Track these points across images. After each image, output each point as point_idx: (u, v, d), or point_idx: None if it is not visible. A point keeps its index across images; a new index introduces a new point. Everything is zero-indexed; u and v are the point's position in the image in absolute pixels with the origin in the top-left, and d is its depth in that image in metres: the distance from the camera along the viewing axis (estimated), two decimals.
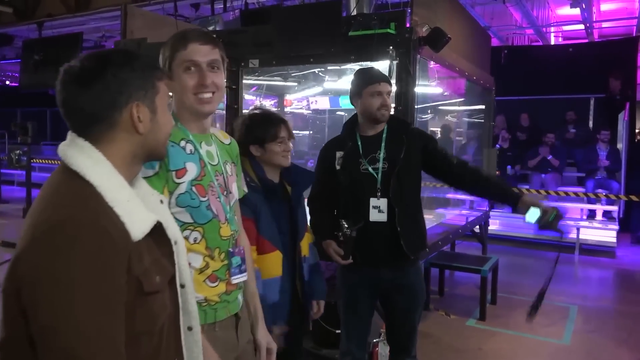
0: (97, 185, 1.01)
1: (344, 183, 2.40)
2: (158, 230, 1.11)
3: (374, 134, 2.44)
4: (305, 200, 2.29)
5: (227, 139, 1.72)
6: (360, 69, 2.51)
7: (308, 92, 5.72)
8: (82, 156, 1.04)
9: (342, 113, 6.88)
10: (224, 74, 1.56)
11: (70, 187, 1.02)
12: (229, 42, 3.66)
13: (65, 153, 1.06)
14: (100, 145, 1.07)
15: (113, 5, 8.16)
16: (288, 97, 6.10)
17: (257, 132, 2.05)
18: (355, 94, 2.41)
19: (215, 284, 1.55)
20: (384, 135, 2.44)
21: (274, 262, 2.01)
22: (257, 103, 5.37)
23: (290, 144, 2.11)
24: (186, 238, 1.49)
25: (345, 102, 5.81)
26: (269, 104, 6.41)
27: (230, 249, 1.59)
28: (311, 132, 8.29)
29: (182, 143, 1.52)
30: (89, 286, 0.92)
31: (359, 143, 2.43)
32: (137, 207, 1.06)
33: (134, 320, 1.00)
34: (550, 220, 2.21)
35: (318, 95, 6.06)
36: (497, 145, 8.27)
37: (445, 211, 6.14)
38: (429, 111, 6.81)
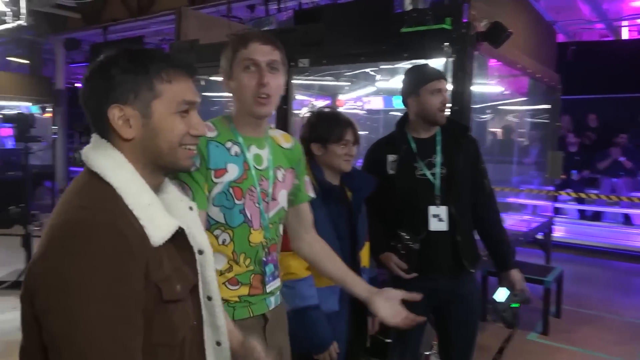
0: (117, 187, 0.97)
1: (398, 190, 2.26)
2: (180, 237, 1.05)
3: (428, 137, 2.28)
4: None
5: (288, 143, 1.66)
6: (415, 66, 2.35)
7: (361, 92, 5.60)
8: (104, 158, 1.01)
9: (397, 113, 6.71)
10: (283, 77, 1.52)
11: (91, 189, 0.98)
12: (280, 41, 3.60)
13: (88, 155, 1.02)
14: (118, 148, 1.02)
15: (172, 9, 8.35)
16: (341, 97, 6.00)
17: (321, 130, 1.97)
18: (411, 92, 2.24)
19: (236, 287, 1.51)
20: (438, 138, 2.28)
21: (298, 261, 1.87)
22: (310, 104, 5.30)
23: (355, 149, 2.00)
24: (216, 237, 1.48)
25: (399, 102, 5.63)
26: (322, 104, 6.34)
27: (263, 258, 1.54)
28: (367, 132, 8.19)
29: (229, 144, 1.49)
30: (103, 291, 0.86)
31: (413, 145, 2.28)
32: (159, 212, 1.00)
33: (151, 331, 0.94)
34: (510, 307, 2.14)
35: (371, 95, 5.92)
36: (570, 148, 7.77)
37: (506, 216, 5.84)
38: (487, 111, 6.52)
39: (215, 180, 1.45)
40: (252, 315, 1.53)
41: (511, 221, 5.53)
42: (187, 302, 1.03)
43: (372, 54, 3.19)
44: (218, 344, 1.18)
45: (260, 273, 1.54)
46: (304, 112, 6.40)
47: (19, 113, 4.98)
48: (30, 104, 10.76)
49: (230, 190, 1.47)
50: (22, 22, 5.28)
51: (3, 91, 9.61)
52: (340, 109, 6.25)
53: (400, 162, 2.25)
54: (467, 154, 2.23)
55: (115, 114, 1.00)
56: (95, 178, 0.98)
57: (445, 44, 2.88)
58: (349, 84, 5.12)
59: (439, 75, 2.22)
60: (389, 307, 1.59)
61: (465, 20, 2.95)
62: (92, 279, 0.86)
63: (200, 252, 1.14)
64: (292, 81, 3.62)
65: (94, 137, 1.04)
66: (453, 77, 2.92)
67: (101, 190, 0.96)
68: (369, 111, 7.04)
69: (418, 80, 2.22)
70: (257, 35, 1.48)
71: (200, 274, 1.14)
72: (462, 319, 2.30)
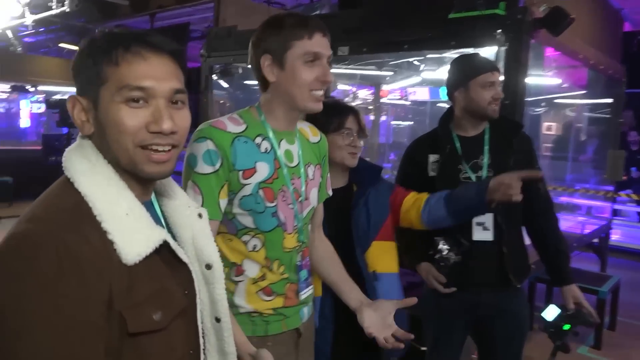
0: (85, 194, 0.81)
1: None
2: (171, 251, 0.88)
3: (475, 135, 2.05)
4: (376, 200, 1.85)
5: (316, 136, 1.52)
6: (463, 55, 2.12)
7: (405, 82, 5.34)
8: (79, 159, 0.86)
9: (444, 105, 6.42)
10: None
11: (55, 196, 0.83)
12: None
13: (65, 156, 0.87)
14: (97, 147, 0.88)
15: None
16: (385, 87, 5.76)
17: (320, 121, 1.73)
18: (459, 85, 2.01)
19: (271, 297, 1.37)
20: (486, 137, 2.04)
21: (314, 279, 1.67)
22: (352, 95, 5.11)
23: (361, 142, 1.78)
24: (245, 243, 1.35)
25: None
26: (366, 93, 6.13)
27: (297, 263, 1.40)
28: (411, 123, 7.97)
29: (258, 140, 1.34)
30: (41, 322, 0.71)
31: (458, 145, 2.05)
32: (138, 223, 0.84)
33: None
34: (562, 329, 1.86)
35: (417, 86, 5.66)
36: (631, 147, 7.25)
37: (558, 216, 5.47)
38: (542, 104, 6.14)
39: (243, 181, 1.30)
40: (286, 329, 1.40)
41: (564, 223, 5.18)
42: (172, 331, 0.87)
43: (416, 42, 2.96)
44: None
45: (295, 281, 1.41)
46: (349, 101, 6.23)
47: (62, 99, 5.02)
48: None
49: (260, 192, 1.32)
50: (65, 9, 5.30)
51: (55, 77, 9.86)
52: (384, 100, 6.01)
53: (443, 163, 2.03)
54: (519, 155, 1.99)
55: (73, 105, 0.86)
56: (67, 183, 0.84)
57: (498, 31, 2.61)
58: (391, 73, 4.87)
59: (492, 67, 1.99)
60: (376, 317, 1.43)
61: (521, 5, 2.68)
62: (29, 306, 0.71)
63: (208, 266, 0.98)
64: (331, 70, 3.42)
65: (79, 135, 0.90)
66: (505, 68, 2.65)
67: (65, 199, 0.82)
68: (414, 102, 6.77)
69: (468, 71, 1.99)
70: (319, 25, 1.32)
71: (208, 293, 0.99)
72: (506, 336, 2.08)
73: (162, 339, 0.85)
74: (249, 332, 1.34)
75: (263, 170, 1.33)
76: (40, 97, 10.61)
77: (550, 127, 7.24)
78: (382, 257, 1.81)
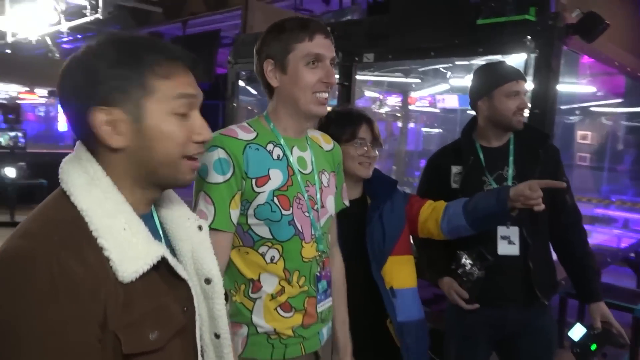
0: (82, 209, 0.78)
1: None
2: (169, 267, 0.85)
3: (499, 145, 1.98)
4: (390, 213, 1.78)
5: (329, 144, 1.49)
6: (488, 64, 2.06)
7: (433, 89, 5.25)
8: (77, 172, 0.83)
9: (473, 112, 6.29)
10: None
11: (50, 210, 0.81)
12: (343, 34, 3.37)
13: (62, 168, 0.84)
14: (100, 158, 0.84)
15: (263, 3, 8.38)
16: (413, 94, 5.69)
17: (332, 130, 1.70)
18: (483, 94, 1.96)
19: (290, 314, 1.32)
20: (511, 147, 1.97)
21: None
22: (378, 102, 5.06)
23: (375, 152, 1.73)
24: (262, 255, 1.30)
25: None
26: (395, 101, 6.07)
27: (317, 273, 1.35)
28: (440, 130, 7.86)
29: (270, 147, 1.31)
30: (33, 344, 0.69)
31: (481, 156, 1.98)
32: (136, 238, 0.81)
33: None
34: (589, 349, 1.80)
35: (445, 94, 5.56)
36: None
37: (592, 229, 5.27)
38: (576, 112, 5.96)
39: (257, 189, 1.27)
40: (304, 353, 1.35)
41: (598, 236, 4.98)
42: (169, 351, 0.83)
43: (443, 49, 2.88)
44: None
45: (313, 294, 1.36)
46: (376, 108, 6.18)
47: None
48: None
49: (276, 200, 1.28)
50: (99, 16, 5.42)
51: None
52: (412, 107, 5.94)
53: (466, 175, 1.97)
54: (545, 167, 1.91)
55: (99, 118, 0.81)
56: (63, 197, 0.81)
57: (528, 37, 2.51)
58: (418, 80, 4.79)
59: (518, 76, 1.91)
60: None
61: (553, 11, 2.58)
62: (22, 327, 0.69)
63: (208, 281, 0.95)
64: (356, 77, 3.38)
65: (78, 145, 0.87)
66: (535, 76, 2.55)
67: (61, 213, 0.79)
68: (443, 110, 6.67)
69: (492, 80, 1.93)
70: (320, 26, 1.30)
71: (207, 308, 0.96)
72: (533, 354, 2.00)
73: (159, 359, 0.82)
74: (267, 355, 1.31)
75: (277, 178, 1.30)
76: None
77: (585, 136, 7.01)
78: (399, 272, 1.75)
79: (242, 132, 1.31)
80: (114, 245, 0.78)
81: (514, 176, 1.92)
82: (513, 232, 1.90)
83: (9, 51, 8.93)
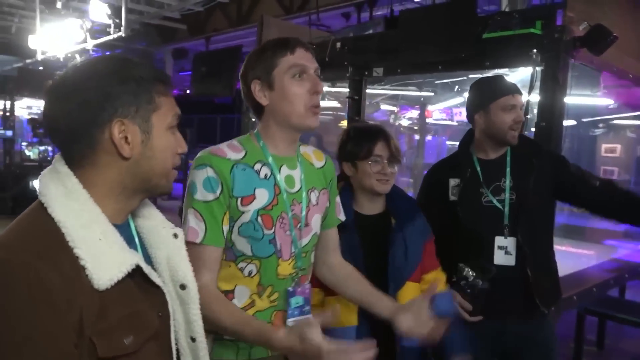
0: (58, 220, 0.83)
1: (462, 219, 1.98)
2: (144, 274, 0.90)
3: (496, 157, 1.99)
4: (412, 239, 1.78)
5: (321, 161, 1.51)
6: (484, 78, 2.08)
7: (449, 102, 5.25)
8: (55, 184, 0.88)
9: None
10: None
11: (28, 222, 0.85)
12: (354, 48, 3.43)
13: (40, 181, 0.89)
14: (82, 170, 0.89)
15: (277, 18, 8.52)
16: (430, 107, 5.69)
17: (350, 147, 1.74)
18: (479, 108, 1.98)
19: None
20: (508, 159, 1.98)
21: (346, 307, 1.63)
22: (392, 115, 5.07)
23: (393, 168, 1.73)
24: (241, 270, 1.33)
25: None
26: (413, 114, 6.07)
27: (290, 288, 1.37)
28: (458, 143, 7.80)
29: (257, 166, 1.34)
30: (13, 352, 0.73)
31: (478, 169, 1.99)
32: (112, 247, 0.85)
33: None
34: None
35: (461, 106, 5.55)
36: None
37: (618, 245, 5.11)
38: (600, 125, 5.86)
39: (242, 208, 1.30)
40: (270, 354, 1.36)
41: (622, 251, 4.84)
42: (144, 354, 0.87)
43: (450, 63, 2.90)
44: None
45: (283, 308, 1.38)
46: (391, 121, 6.20)
47: None
48: None
49: (259, 219, 1.31)
50: (122, 34, 5.61)
51: None
52: (429, 120, 5.93)
53: (464, 187, 1.98)
54: (542, 173, 1.91)
55: (120, 129, 0.88)
56: (41, 209, 0.86)
57: (534, 50, 2.51)
58: (432, 94, 4.80)
59: (514, 90, 1.93)
60: (411, 319, 1.36)
61: (559, 24, 2.57)
62: (5, 335, 0.73)
63: (183, 286, 1.00)
64: (365, 91, 3.41)
65: (56, 159, 0.92)
66: (541, 89, 2.55)
67: (38, 225, 0.84)
68: (461, 122, 6.65)
69: (488, 93, 1.95)
70: (299, 41, 1.34)
71: (183, 313, 1.00)
72: None
73: None
74: (232, 355, 1.34)
75: (262, 197, 1.33)
76: None
77: (609, 149, 6.86)
78: (411, 297, 1.74)
79: (231, 152, 1.34)
80: (89, 255, 0.82)
81: (511, 187, 1.94)
82: (510, 242, 1.91)
83: (41, 68, 9.27)
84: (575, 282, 3.05)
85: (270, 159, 1.36)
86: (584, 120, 6.12)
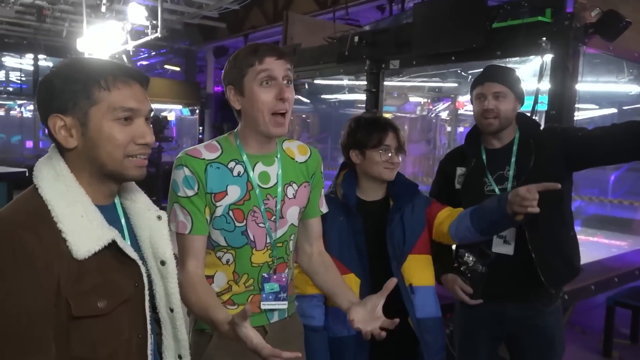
0: (46, 199, 0.98)
1: (465, 206, 2.02)
2: (120, 249, 1.03)
3: (502, 146, 2.01)
4: (411, 214, 1.85)
5: (304, 155, 1.59)
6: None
7: None
8: (47, 169, 1.03)
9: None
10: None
11: (20, 200, 1.01)
12: (372, 42, 3.49)
13: (35, 165, 1.05)
14: (68, 157, 1.04)
15: (303, 14, 8.65)
16: (460, 98, 5.66)
17: (359, 135, 1.81)
18: (471, 99, 2.04)
19: (234, 307, 1.47)
20: (515, 147, 1.99)
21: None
22: (419, 107, 5.08)
23: (399, 158, 1.81)
24: (219, 258, 1.48)
25: (528, 104, 5.12)
26: (443, 106, 6.05)
27: (264, 274, 1.48)
28: None
29: (231, 164, 1.45)
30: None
31: (484, 157, 2.02)
32: (91, 224, 0.99)
33: (69, 345, 0.95)
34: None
35: None
36: None
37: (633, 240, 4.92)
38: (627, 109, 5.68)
39: (215, 203, 1.43)
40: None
41: None
42: (117, 317, 1.01)
43: (463, 53, 2.91)
44: (180, 357, 1.18)
45: (258, 292, 1.50)
46: (418, 113, 6.19)
47: (153, 115, 5.53)
48: (181, 106, 11.94)
49: (230, 213, 1.43)
50: (158, 35, 5.86)
51: (160, 95, 10.84)
52: (461, 111, 5.89)
53: (468, 176, 2.02)
54: (542, 152, 1.91)
55: (56, 123, 1.01)
56: (33, 189, 1.01)
57: (543, 39, 2.51)
58: (456, 85, 4.77)
59: (484, 79, 1.95)
60: (363, 313, 1.42)
61: (570, 11, 2.55)
62: None
63: (163, 262, 1.13)
64: (383, 84, 3.47)
65: (51, 147, 1.07)
66: (551, 77, 2.54)
67: (29, 202, 0.98)
68: None
69: (472, 84, 2.00)
70: (270, 48, 1.41)
71: (163, 286, 1.14)
72: (537, 353, 2.01)
73: (107, 323, 0.99)
74: (208, 328, 1.45)
75: (234, 193, 1.43)
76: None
77: None
78: (419, 270, 1.82)
79: (206, 152, 1.44)
80: (71, 229, 0.95)
81: (514, 175, 1.94)
82: (510, 232, 1.92)
83: None
84: (595, 271, 3.01)
85: (244, 157, 1.46)
86: (625, 108, 5.92)
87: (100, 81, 1.01)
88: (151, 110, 1.08)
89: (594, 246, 4.33)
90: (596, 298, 3.90)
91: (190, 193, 1.41)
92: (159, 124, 5.68)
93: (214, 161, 1.43)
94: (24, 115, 15.00)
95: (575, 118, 2.61)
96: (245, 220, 1.44)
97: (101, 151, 1.02)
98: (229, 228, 1.43)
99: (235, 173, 1.44)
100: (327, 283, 1.61)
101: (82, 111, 1.00)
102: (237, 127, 1.51)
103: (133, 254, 1.05)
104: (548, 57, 2.55)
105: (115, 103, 1.01)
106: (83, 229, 0.97)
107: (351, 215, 1.78)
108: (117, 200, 1.12)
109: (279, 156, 1.52)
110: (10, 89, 12.89)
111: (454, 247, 2.09)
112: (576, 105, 2.60)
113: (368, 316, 1.41)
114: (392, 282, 1.42)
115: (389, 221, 1.80)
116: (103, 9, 6.69)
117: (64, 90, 1.00)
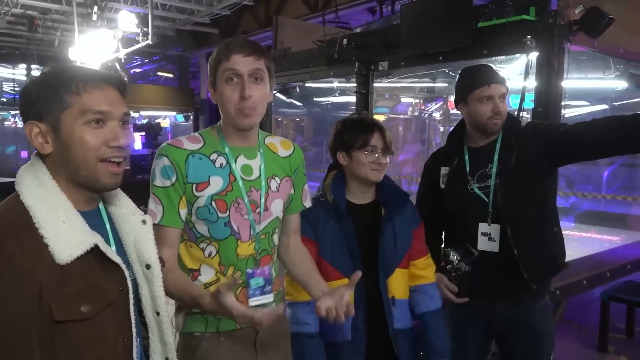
0: (28, 205, 0.99)
1: (449, 206, 2.03)
2: (103, 254, 1.04)
3: (485, 144, 2.02)
4: (401, 228, 1.85)
5: (287, 150, 1.61)
6: (467, 68, 2.09)
7: None
8: (29, 175, 1.04)
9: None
10: (268, 86, 1.47)
11: (4, 207, 1.01)
12: (361, 44, 3.51)
13: (18, 173, 1.06)
14: (49, 163, 1.05)
15: (295, 18, 8.67)
16: (452, 99, 5.67)
17: (346, 137, 1.81)
18: (460, 99, 2.01)
19: None
20: (498, 145, 2.00)
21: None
22: (411, 107, 5.10)
23: (386, 159, 1.80)
24: (202, 250, 1.48)
25: (514, 102, 5.14)
26: (435, 107, 6.07)
27: (249, 270, 1.49)
28: None
29: (213, 156, 1.47)
30: None
31: (466, 157, 2.03)
32: (73, 229, 1.00)
33: (54, 351, 0.96)
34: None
35: None
36: None
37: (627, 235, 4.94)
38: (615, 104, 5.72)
39: (197, 194, 1.44)
40: (239, 327, 1.47)
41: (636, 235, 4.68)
42: (101, 321, 1.02)
43: (450, 53, 2.94)
44: None
45: (246, 286, 1.50)
46: (409, 113, 6.21)
47: (148, 122, 5.54)
48: (175, 113, 11.94)
49: (213, 203, 1.44)
50: (149, 42, 5.88)
51: (154, 102, 10.84)
52: (453, 111, 5.91)
53: (451, 175, 2.03)
54: (524, 149, 1.92)
55: (32, 130, 1.02)
56: (15, 196, 1.02)
57: (528, 37, 2.53)
58: (445, 85, 4.80)
59: (490, 80, 1.92)
60: (330, 300, 1.46)
61: (554, 9, 2.58)
62: None
63: (148, 266, 1.14)
64: (373, 85, 3.49)
65: (33, 154, 1.08)
66: (537, 75, 2.57)
67: (11, 209, 0.99)
68: None
69: (465, 86, 1.98)
70: (240, 45, 1.43)
71: (149, 290, 1.15)
72: (526, 350, 2.02)
73: (91, 327, 1.00)
74: (202, 328, 1.46)
75: (216, 184, 1.45)
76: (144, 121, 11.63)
77: None
78: (401, 284, 1.84)
79: (188, 143, 1.46)
80: (52, 234, 0.96)
81: (497, 172, 1.95)
82: (494, 229, 1.94)
83: None
84: (587, 266, 3.03)
85: (227, 150, 1.48)
86: (615, 104, 5.96)
87: (71, 86, 1.02)
88: (127, 113, 1.08)
89: (587, 242, 4.35)
90: (591, 293, 3.92)
91: (167, 183, 1.42)
92: (153, 130, 5.69)
93: (196, 152, 1.45)
94: (19, 125, 14.99)
95: (566, 115, 2.64)
96: (228, 211, 1.45)
97: (74, 155, 1.02)
98: (212, 219, 1.44)
99: (217, 164, 1.46)
100: (300, 274, 1.64)
101: (54, 116, 1.01)
102: (219, 121, 1.54)
103: (116, 258, 1.06)
104: (533, 55, 2.58)
105: (86, 106, 1.02)
106: (65, 234, 0.98)
107: (342, 219, 1.78)
108: (101, 206, 1.13)
109: (261, 150, 1.53)
110: (4, 100, 12.89)
111: (442, 246, 2.12)
112: (566, 102, 2.62)
113: (335, 305, 1.45)
114: (356, 276, 1.46)
115: (381, 232, 1.80)
116: (94, 17, 6.70)
117: (39, 97, 1.01)
